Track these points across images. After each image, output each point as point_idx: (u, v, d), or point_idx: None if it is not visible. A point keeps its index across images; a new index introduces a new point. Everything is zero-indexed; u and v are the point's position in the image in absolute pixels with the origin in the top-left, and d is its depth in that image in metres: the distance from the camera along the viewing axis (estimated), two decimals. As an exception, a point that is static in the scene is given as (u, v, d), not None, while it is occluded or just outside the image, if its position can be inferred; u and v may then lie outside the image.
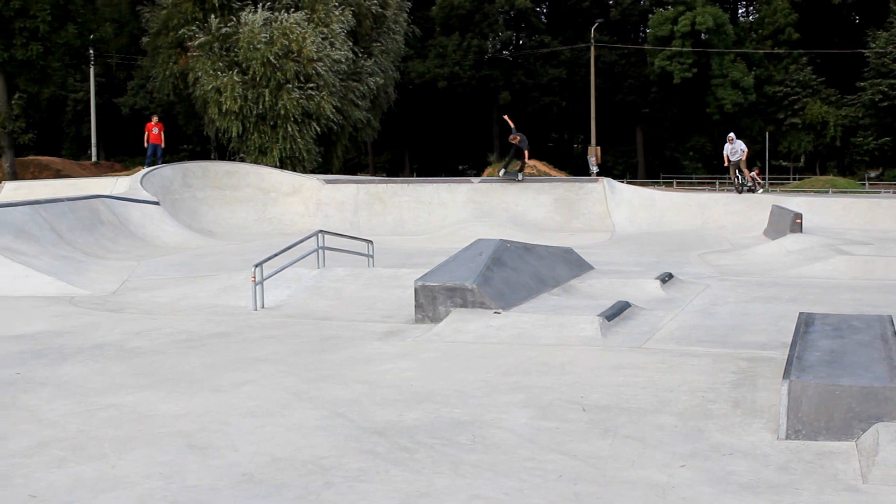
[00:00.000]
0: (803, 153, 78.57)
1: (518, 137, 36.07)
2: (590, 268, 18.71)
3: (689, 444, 7.52)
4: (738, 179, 35.35)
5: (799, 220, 25.08)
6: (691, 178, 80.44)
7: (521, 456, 7.29)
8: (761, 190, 36.12)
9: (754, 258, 22.45)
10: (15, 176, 45.19)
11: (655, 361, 10.46)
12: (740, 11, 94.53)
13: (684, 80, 79.39)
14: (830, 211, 31.50)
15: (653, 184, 69.56)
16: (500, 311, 13.24)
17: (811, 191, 54.86)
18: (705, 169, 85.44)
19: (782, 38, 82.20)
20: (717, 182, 74.90)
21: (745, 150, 35.80)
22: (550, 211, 34.21)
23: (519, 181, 35.43)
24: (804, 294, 15.92)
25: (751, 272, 19.77)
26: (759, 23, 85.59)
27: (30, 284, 17.83)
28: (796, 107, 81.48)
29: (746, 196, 34.12)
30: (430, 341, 12.11)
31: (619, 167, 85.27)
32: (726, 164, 36.37)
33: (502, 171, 36.67)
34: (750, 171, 36.45)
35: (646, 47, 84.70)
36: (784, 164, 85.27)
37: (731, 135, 36.48)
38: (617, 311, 13.04)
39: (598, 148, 68.77)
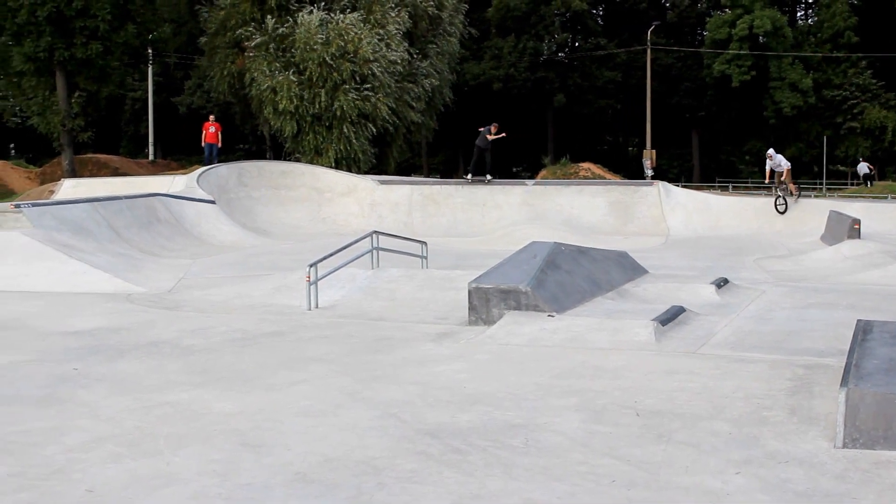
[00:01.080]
0: (861, 158, 77.47)
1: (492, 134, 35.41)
2: (644, 272, 18.61)
3: (744, 450, 7.46)
4: (779, 198, 33.45)
5: (857, 226, 24.78)
6: (747, 182, 79.64)
7: (574, 460, 7.27)
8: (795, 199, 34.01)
9: (811, 264, 22.21)
10: (74, 174, 45.66)
11: (710, 367, 10.38)
12: (798, 14, 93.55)
13: (742, 83, 78.72)
14: (889, 217, 31.09)
15: (708, 188, 69.04)
16: (554, 314, 13.21)
17: (869, 196, 54.19)
18: (762, 173, 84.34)
19: (841, 41, 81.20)
20: (774, 186, 74.24)
21: (788, 164, 34.37)
22: (605, 214, 34.06)
23: (488, 182, 35.41)
24: (862, 301, 15.72)
25: (807, 278, 19.56)
26: (817, 26, 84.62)
27: (88, 281, 18.03)
28: (855, 111, 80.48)
29: (802, 202, 33.79)
30: (484, 343, 12.10)
31: (674, 170, 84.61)
32: (767, 180, 35.63)
33: (469, 175, 36.26)
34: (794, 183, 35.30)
35: (703, 50, 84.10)
36: (842, 168, 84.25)
37: (771, 151, 35.01)
38: (671, 316, 12.95)
39: (654, 151, 68.36)
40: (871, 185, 66.97)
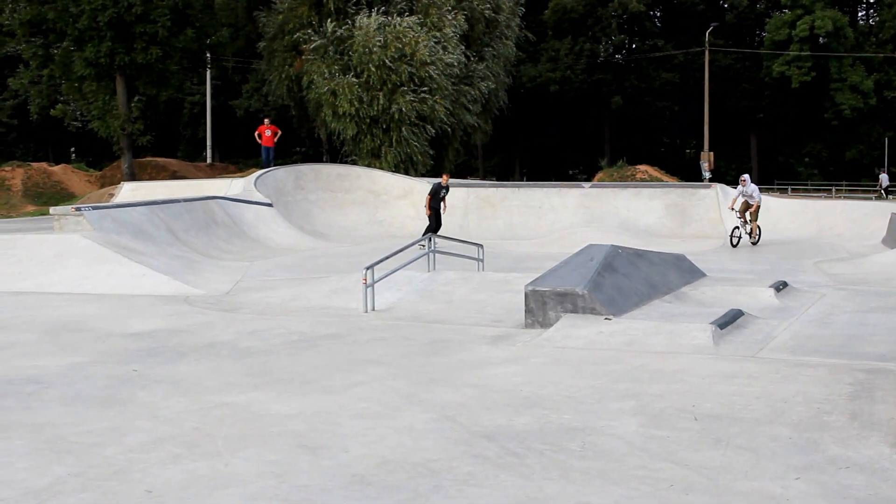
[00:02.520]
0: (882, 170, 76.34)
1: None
2: (702, 275, 18.48)
3: (805, 456, 7.38)
4: (738, 230, 28.72)
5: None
6: (806, 185, 78.91)
7: (632, 464, 7.23)
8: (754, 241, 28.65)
9: (872, 267, 21.91)
10: (133, 177, 46.23)
11: (769, 371, 10.29)
12: (860, 14, 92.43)
13: (802, 84, 77.95)
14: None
15: (767, 190, 68.37)
16: (611, 317, 13.16)
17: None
18: (821, 175, 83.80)
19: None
20: (834, 189, 73.41)
21: (761, 197, 29.13)
22: (662, 217, 33.88)
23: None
24: (925, 305, 15.51)
25: (869, 281, 19.32)
26: (879, 26, 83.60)
27: (147, 283, 18.21)
28: (917, 112, 79.55)
29: (864, 203, 33.29)
30: (540, 346, 12.07)
31: (732, 173, 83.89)
32: (731, 207, 29.41)
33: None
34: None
35: (762, 51, 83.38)
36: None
37: (745, 176, 29.54)
38: (730, 320, 12.86)
39: (711, 153, 67.83)
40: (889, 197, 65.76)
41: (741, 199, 29.07)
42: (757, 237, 28.87)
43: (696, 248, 26.59)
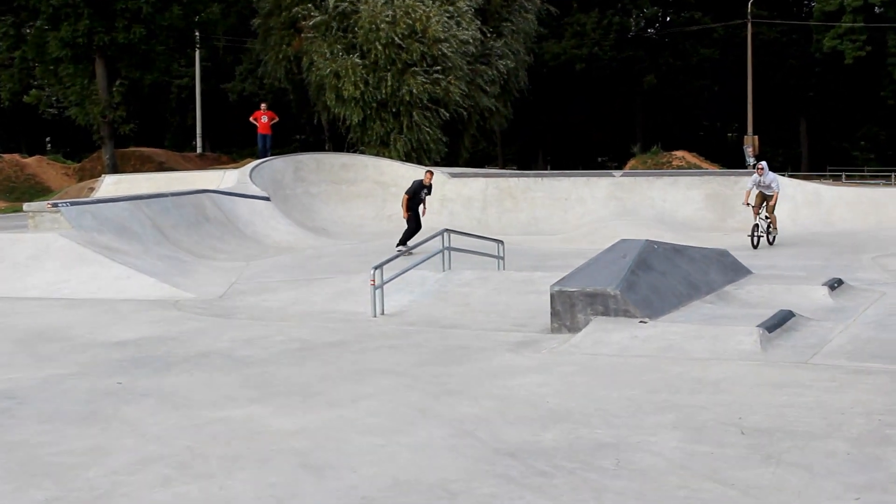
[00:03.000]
0: None
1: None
2: (748, 272, 18.44)
3: (865, 473, 7.34)
4: (758, 228, 26.99)
5: None
6: (862, 171, 78.67)
7: (672, 483, 7.20)
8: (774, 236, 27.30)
9: (937, 262, 21.87)
10: (115, 168, 46.24)
11: (824, 379, 10.26)
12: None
13: (856, 59, 77.73)
14: None
15: (818, 177, 68.25)
16: (647, 320, 13.14)
17: None
18: (878, 160, 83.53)
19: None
20: (894, 175, 73.18)
21: (780, 187, 27.69)
22: (702, 208, 33.82)
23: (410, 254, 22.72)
24: None
25: (933, 278, 19.27)
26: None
27: (132, 286, 18.26)
28: (982, 89, 79.30)
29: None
30: (568, 353, 12.07)
31: (780, 158, 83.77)
32: (746, 201, 27.43)
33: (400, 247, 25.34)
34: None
35: (811, 23, 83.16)
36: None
37: (763, 164, 27.69)
38: (779, 322, 12.82)
39: (756, 137, 67.70)
40: None
41: (756, 191, 27.30)
42: (774, 234, 27.41)
43: (740, 242, 26.51)
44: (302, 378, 10.97)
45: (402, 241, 24.64)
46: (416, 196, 26.29)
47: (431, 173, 27.40)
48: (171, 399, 10.07)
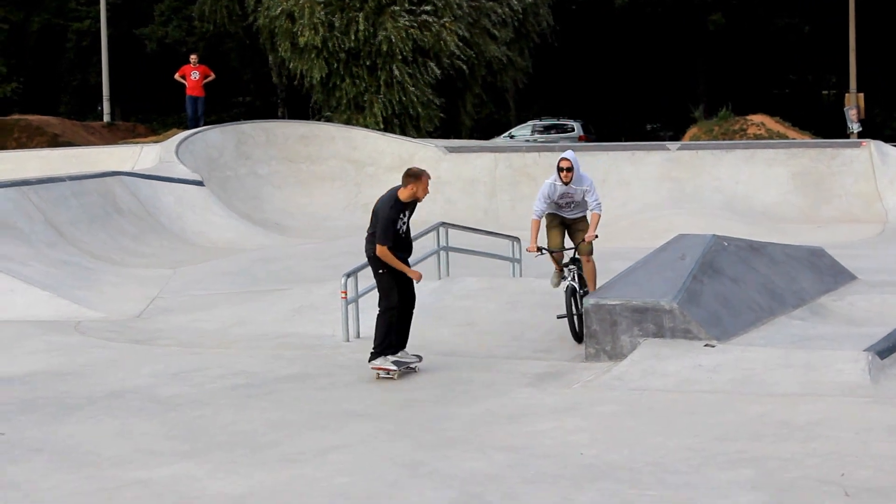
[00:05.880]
0: None
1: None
2: (851, 277, 18.46)
3: None
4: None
5: None
6: None
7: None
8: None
9: None
10: (-7, 144, 46.30)
11: (955, 421, 10.28)
12: None
13: None
14: None
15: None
16: (715, 342, 13.14)
17: None
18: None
19: None
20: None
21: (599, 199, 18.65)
22: (787, 191, 33.84)
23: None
24: None
25: None
26: None
27: (16, 303, 18.22)
28: None
29: None
30: (609, 388, 12.07)
31: (894, 124, 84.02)
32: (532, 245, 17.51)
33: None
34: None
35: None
36: None
37: (569, 155, 18.54)
38: (894, 345, 12.82)
39: (861, 96, 67.78)
40: None
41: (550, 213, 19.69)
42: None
43: (840, 237, 26.58)
44: (248, 425, 10.97)
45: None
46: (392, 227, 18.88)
47: (427, 177, 20.45)
48: (71, 455, 10.06)
